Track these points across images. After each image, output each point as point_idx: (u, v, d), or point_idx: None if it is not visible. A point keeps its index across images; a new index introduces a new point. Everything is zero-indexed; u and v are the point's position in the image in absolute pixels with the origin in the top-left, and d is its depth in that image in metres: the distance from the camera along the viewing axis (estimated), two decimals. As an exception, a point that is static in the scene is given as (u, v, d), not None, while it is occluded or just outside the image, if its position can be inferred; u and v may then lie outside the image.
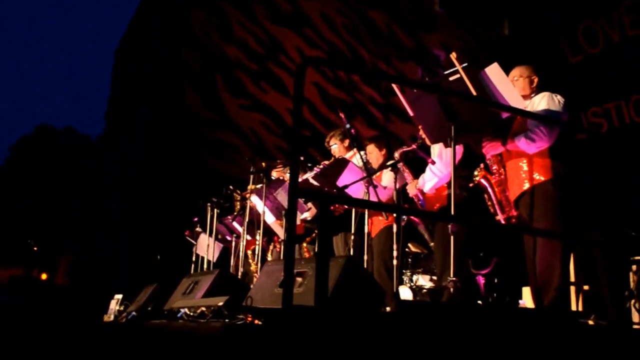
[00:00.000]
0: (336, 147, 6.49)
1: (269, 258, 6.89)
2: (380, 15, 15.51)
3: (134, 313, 5.89)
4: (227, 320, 3.80)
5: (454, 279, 3.93)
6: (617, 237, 5.23)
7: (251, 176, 6.22)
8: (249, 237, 6.72)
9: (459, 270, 4.83)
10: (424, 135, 5.23)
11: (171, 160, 12.57)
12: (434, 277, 5.90)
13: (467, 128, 4.23)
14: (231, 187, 7.32)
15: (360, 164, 5.24)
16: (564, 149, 4.46)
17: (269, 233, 6.85)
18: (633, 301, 5.01)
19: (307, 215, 6.32)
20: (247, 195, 7.51)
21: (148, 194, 12.40)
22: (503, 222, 4.57)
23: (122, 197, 14.55)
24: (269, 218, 6.20)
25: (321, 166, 6.03)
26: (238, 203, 7.51)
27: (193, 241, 7.69)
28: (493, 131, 4.51)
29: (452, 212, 3.94)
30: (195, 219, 7.66)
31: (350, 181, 4.75)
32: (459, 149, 5.07)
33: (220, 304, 3.96)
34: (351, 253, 5.91)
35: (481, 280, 4.79)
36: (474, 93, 4.07)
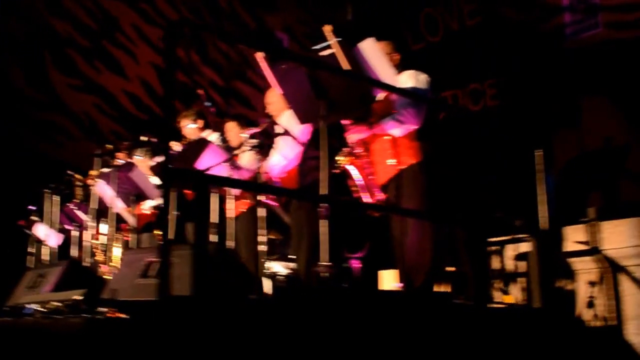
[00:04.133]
0: (189, 127, 6.30)
1: (116, 248, 6.56)
2: (222, -8, 15.21)
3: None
4: (87, 315, 3.56)
5: (327, 263, 3.91)
6: (479, 218, 5.44)
7: (95, 160, 5.86)
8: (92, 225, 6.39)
9: (314, 255, 4.82)
10: (271, 114, 5.16)
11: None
12: (291, 264, 5.85)
13: (337, 107, 4.20)
14: (70, 171, 6.92)
15: (219, 144, 5.11)
16: (429, 129, 4.55)
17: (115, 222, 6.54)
18: (496, 281, 5.25)
19: (158, 201, 6.08)
20: (89, 181, 7.14)
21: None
22: (371, 206, 4.61)
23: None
24: (118, 205, 5.92)
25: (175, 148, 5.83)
26: (79, 189, 7.12)
27: (28, 231, 7.18)
28: (363, 111, 4.52)
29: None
30: (31, 207, 7.15)
31: (211, 163, 4.59)
32: (308, 128, 5.00)
33: (78, 297, 3.70)
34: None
35: (354, 264, 4.81)
36: (346, 67, 4.03)
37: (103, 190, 5.79)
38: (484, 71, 8.52)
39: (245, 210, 5.51)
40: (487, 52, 8.60)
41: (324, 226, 3.90)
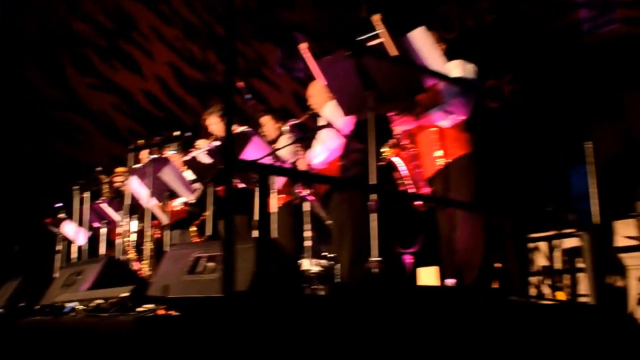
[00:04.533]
0: (216, 125, 6.13)
1: (148, 245, 6.36)
2: (238, -7, 15.09)
3: None
4: (136, 313, 3.36)
5: (378, 259, 3.73)
6: (531, 212, 5.23)
7: (130, 155, 5.63)
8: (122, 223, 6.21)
9: (358, 251, 4.64)
10: (313, 107, 4.97)
11: (12, 142, 11.58)
12: (322, 261, 5.64)
13: (385, 97, 4.01)
14: (99, 168, 6.74)
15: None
16: (478, 120, 4.35)
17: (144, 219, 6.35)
18: (542, 278, 5.04)
19: (191, 197, 5.86)
20: (116, 178, 6.98)
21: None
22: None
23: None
24: (150, 201, 5.72)
25: (205, 145, 5.65)
26: (106, 186, 6.94)
27: (55, 229, 6.94)
28: (410, 102, 4.31)
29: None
30: (58, 205, 6.92)
31: (255, 156, 4.38)
32: (351, 119, 4.82)
33: (125, 294, 3.49)
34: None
35: (408, 259, 4.58)
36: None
37: (136, 186, 5.59)
38: (501, 68, 8.34)
39: (281, 205, 5.29)
40: (503, 48, 8.43)
41: (374, 220, 3.73)
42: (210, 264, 3.71)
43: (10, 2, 12.67)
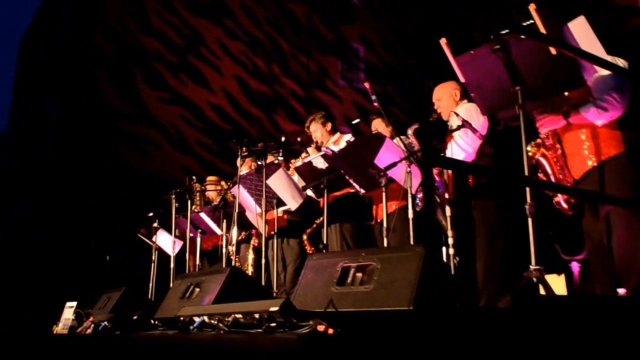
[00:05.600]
0: (318, 131, 5.72)
1: (250, 254, 5.91)
2: (301, 7, 14.82)
3: (105, 324, 4.77)
4: (293, 330, 2.89)
5: (538, 267, 3.25)
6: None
7: (239, 163, 5.16)
8: (219, 232, 5.79)
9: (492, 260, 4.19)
10: (439, 110, 4.54)
11: (85, 156, 11.36)
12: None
13: (533, 93, 3.53)
14: (194, 177, 6.34)
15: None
16: (634, 116, 3.81)
17: (243, 228, 5.91)
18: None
19: (294, 205, 5.38)
20: (209, 187, 6.60)
21: (61, 192, 11.10)
22: (564, 204, 3.87)
23: (30, 196, 13.06)
24: (253, 209, 5.28)
25: (318, 151, 5.21)
26: (198, 194, 6.53)
27: (148, 240, 6.49)
28: (558, 99, 3.80)
29: (529, 197, 3.25)
30: (151, 215, 6.49)
31: (391, 159, 3.89)
32: (484, 122, 4.35)
33: (275, 309, 3.02)
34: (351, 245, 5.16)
35: (575, 267, 4.05)
36: (553, 50, 3.38)
37: (242, 194, 5.13)
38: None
39: (394, 211, 4.78)
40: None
41: (530, 225, 3.25)
42: (358, 274, 3.25)
43: (84, 20, 12.52)
